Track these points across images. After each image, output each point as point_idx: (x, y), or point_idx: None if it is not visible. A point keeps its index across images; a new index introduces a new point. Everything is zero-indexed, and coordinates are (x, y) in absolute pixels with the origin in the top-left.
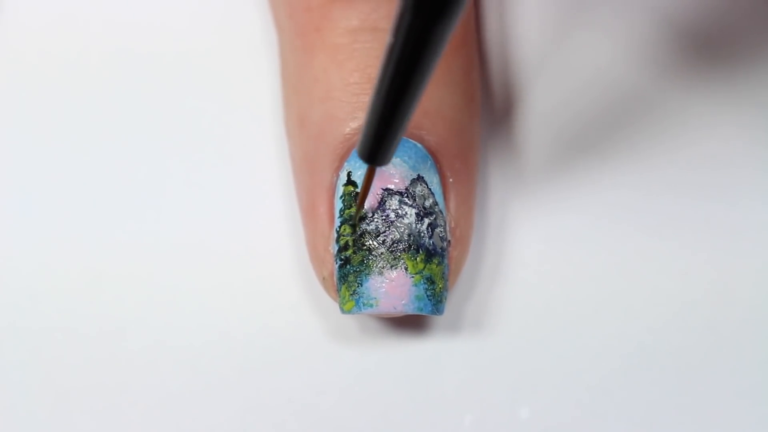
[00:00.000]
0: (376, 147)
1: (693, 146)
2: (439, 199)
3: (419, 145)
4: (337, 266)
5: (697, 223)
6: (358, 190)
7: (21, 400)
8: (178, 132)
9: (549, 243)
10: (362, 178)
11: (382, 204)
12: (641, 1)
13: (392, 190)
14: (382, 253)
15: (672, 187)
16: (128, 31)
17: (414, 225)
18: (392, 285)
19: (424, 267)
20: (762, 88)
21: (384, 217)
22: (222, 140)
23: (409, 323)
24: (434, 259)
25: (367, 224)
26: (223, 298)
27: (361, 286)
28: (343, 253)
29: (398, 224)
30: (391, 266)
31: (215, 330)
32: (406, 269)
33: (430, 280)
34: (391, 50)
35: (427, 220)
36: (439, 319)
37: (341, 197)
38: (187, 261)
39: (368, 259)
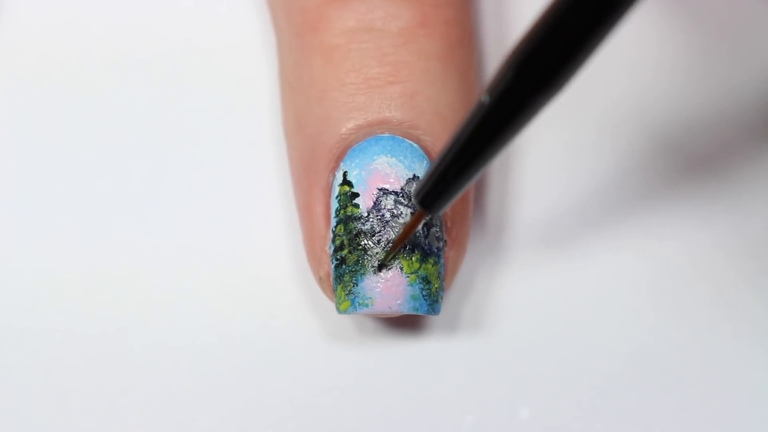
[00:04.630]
0: (437, 196)
1: (694, 146)
2: None
3: (415, 145)
4: (333, 266)
5: (697, 223)
6: (354, 189)
7: (21, 400)
8: (176, 132)
9: (547, 242)
10: (358, 177)
11: (377, 204)
12: None
13: (387, 189)
14: (377, 253)
15: (672, 187)
16: (128, 31)
17: None
18: (387, 285)
19: (420, 267)
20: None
21: (379, 217)
22: (220, 141)
23: (407, 323)
24: (430, 258)
25: (363, 224)
26: (221, 299)
27: (357, 285)
28: (338, 253)
29: (393, 224)
30: (387, 266)
31: (213, 330)
32: (401, 269)
33: (426, 280)
34: (481, 108)
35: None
36: (436, 320)
37: (337, 197)
38: (184, 261)
39: (363, 258)
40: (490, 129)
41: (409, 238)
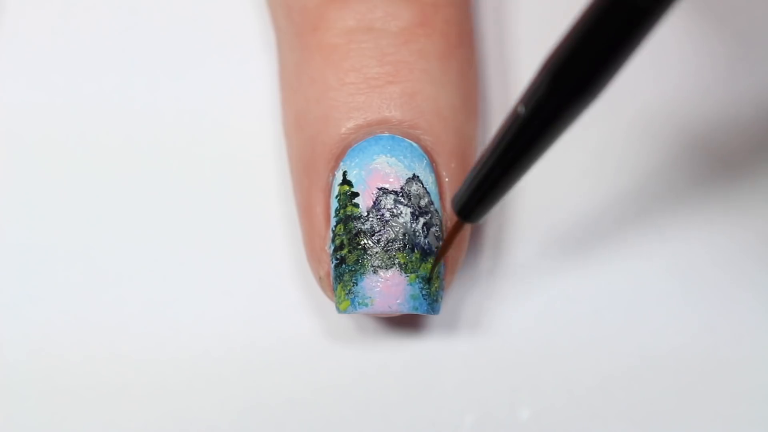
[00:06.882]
0: (475, 205)
1: (694, 145)
2: (435, 198)
3: (415, 144)
4: (333, 265)
5: (697, 223)
6: (354, 189)
7: (21, 400)
8: (176, 132)
9: (547, 242)
10: (357, 177)
11: (377, 203)
12: None
13: (387, 189)
14: (376, 252)
15: (672, 186)
16: (127, 32)
17: (409, 224)
18: (387, 284)
19: (419, 266)
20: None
21: (379, 217)
22: (220, 141)
23: (407, 323)
24: (429, 258)
25: (362, 223)
26: (221, 298)
27: (357, 285)
28: (338, 253)
29: (393, 223)
30: (386, 266)
31: (213, 330)
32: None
33: (426, 280)
34: (517, 119)
35: (422, 220)
36: (436, 319)
37: (336, 197)
38: (185, 261)
39: (363, 258)
40: (527, 139)
41: (408, 238)
